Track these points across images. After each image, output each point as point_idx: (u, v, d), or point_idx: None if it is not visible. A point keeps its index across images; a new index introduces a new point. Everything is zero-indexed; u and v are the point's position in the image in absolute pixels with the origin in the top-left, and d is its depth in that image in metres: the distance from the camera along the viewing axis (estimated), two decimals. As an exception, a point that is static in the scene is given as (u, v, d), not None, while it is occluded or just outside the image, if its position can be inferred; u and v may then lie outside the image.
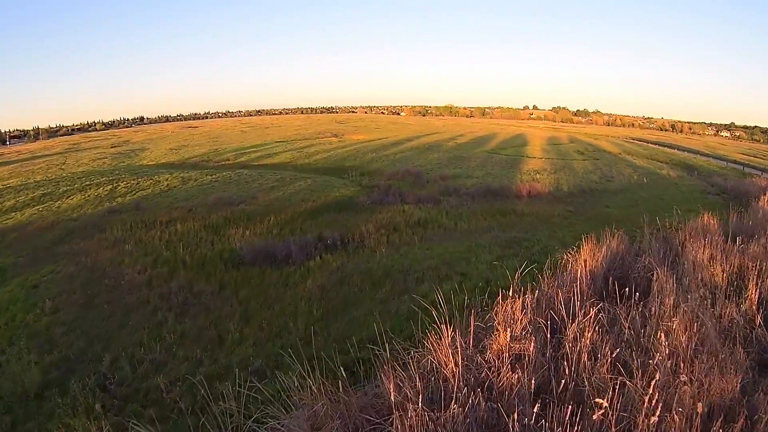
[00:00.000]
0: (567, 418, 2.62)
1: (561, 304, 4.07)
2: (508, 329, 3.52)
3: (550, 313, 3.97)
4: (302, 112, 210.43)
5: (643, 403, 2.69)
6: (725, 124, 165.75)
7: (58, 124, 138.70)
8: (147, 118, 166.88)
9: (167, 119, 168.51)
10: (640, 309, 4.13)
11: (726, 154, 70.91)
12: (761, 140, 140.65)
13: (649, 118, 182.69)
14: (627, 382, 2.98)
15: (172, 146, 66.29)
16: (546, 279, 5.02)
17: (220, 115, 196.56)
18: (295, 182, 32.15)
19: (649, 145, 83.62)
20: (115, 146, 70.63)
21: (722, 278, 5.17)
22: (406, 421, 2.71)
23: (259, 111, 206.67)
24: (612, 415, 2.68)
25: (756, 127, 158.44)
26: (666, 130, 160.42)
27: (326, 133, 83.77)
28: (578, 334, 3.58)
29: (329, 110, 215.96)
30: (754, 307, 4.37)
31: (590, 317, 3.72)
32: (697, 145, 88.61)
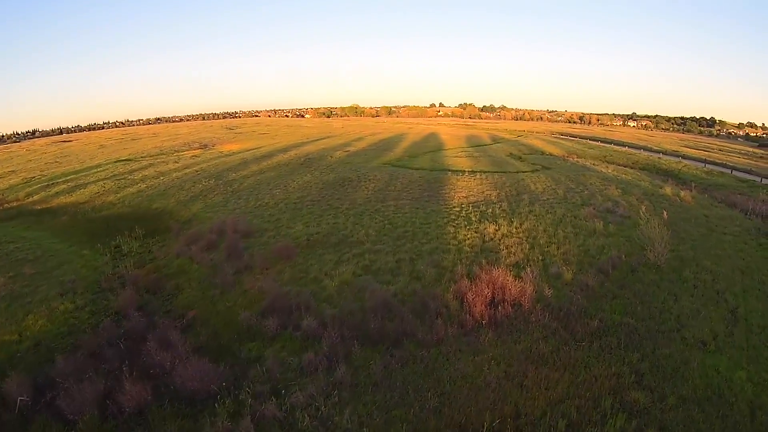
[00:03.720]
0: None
1: None
2: None
3: None
4: (204, 118, 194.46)
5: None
6: (628, 114, 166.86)
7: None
8: (39, 131, 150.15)
9: (60, 131, 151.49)
10: None
11: (675, 149, 60.80)
12: (670, 129, 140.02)
13: (553, 111, 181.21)
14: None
15: (-2, 172, 48.85)
16: None
17: (117, 124, 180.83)
18: None
19: (584, 140, 71.76)
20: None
21: None
22: None
23: (158, 119, 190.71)
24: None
25: (657, 116, 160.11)
26: (574, 122, 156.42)
27: (195, 143, 63.14)
28: None
29: (232, 115, 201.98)
30: None
31: None
32: (628, 138, 78.98)
